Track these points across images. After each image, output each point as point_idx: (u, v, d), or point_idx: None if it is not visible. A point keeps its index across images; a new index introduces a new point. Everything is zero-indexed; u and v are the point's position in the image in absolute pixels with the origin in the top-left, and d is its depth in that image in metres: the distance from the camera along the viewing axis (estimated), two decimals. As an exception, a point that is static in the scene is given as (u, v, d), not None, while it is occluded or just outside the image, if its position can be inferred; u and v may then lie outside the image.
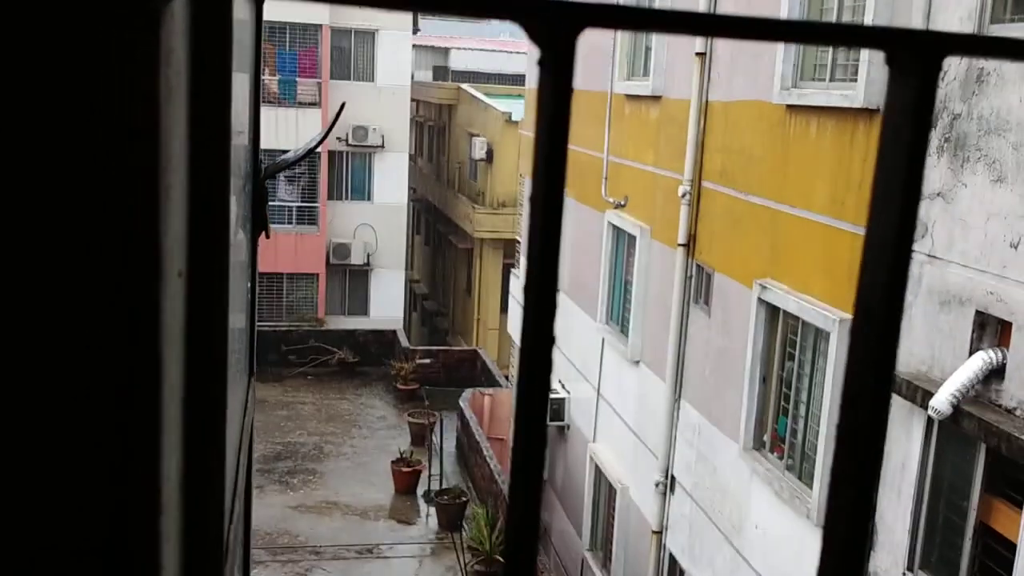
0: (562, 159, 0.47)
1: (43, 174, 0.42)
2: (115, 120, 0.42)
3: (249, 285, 1.46)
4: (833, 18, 7.92)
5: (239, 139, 1.40)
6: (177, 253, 0.57)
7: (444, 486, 16.66)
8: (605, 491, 12.67)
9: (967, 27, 6.25)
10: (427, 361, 22.03)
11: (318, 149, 23.92)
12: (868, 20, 7.15)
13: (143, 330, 0.45)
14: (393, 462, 17.30)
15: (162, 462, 0.48)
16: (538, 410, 0.49)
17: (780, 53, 8.44)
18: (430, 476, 16.91)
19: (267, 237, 1.50)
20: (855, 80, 7.47)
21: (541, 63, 0.46)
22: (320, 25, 24.35)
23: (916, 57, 0.49)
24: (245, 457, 1.33)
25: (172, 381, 0.56)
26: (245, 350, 1.44)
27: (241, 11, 1.19)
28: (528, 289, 0.49)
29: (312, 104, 24.51)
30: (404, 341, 24.05)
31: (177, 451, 0.59)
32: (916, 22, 6.64)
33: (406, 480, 17.06)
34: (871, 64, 7.13)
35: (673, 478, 10.60)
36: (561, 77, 0.46)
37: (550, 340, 0.50)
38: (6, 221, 0.42)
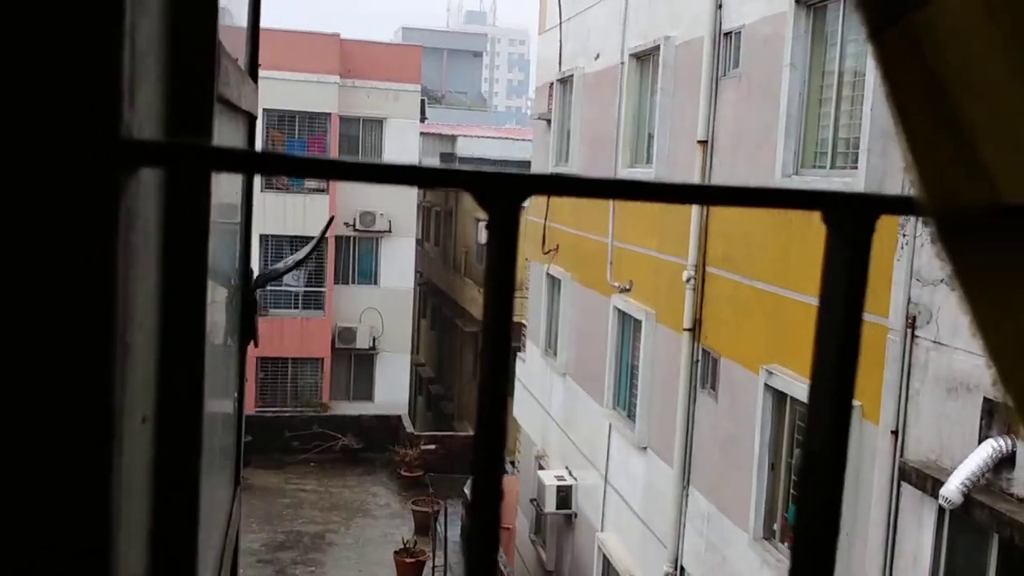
0: (508, 308, 0.48)
1: None
2: (67, 289, 0.44)
3: (236, 395, 1.48)
4: (831, 111, 8.08)
5: (230, 246, 1.43)
6: (141, 401, 0.59)
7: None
8: (613, 581, 12.39)
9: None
10: (432, 447, 21.81)
11: (325, 236, 24.17)
12: (867, 112, 7.29)
13: (93, 483, 0.46)
14: (396, 552, 16.97)
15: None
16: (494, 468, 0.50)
17: (781, 141, 8.59)
18: (434, 567, 16.57)
19: (256, 346, 1.52)
20: (856, 168, 7.58)
21: (488, 226, 0.49)
22: (329, 114, 24.89)
23: (849, 218, 0.51)
24: (228, 570, 1.32)
25: (133, 529, 0.56)
26: (231, 462, 1.44)
27: (231, 133, 1.24)
28: (477, 435, 0.50)
29: (319, 191, 24.88)
30: (409, 427, 23.87)
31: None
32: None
33: (410, 571, 16.71)
34: (871, 152, 7.25)
35: (683, 568, 10.37)
36: (506, 238, 0.48)
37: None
38: None
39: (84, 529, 0.43)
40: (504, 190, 0.48)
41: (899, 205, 0.53)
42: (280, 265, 2.95)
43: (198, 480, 0.76)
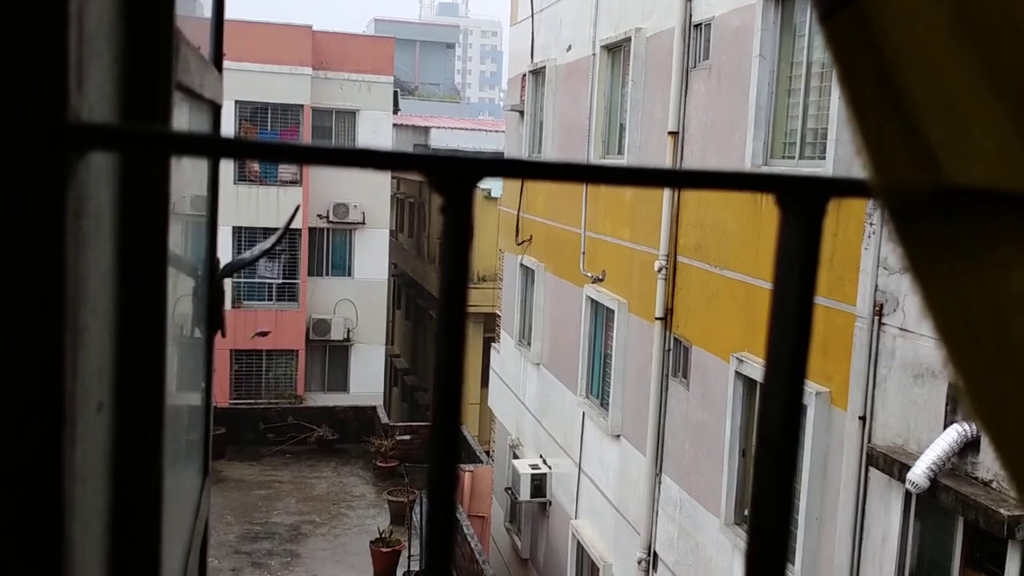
0: (463, 289, 0.49)
1: None
2: (14, 272, 0.43)
3: (204, 385, 1.47)
4: (800, 102, 8.14)
5: (195, 234, 1.42)
6: (95, 387, 0.58)
7: (424, 566, 16.30)
8: (588, 569, 12.46)
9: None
10: (407, 438, 21.80)
11: (297, 225, 24.03)
12: (834, 102, 7.36)
13: (43, 469, 0.45)
14: (372, 542, 16.96)
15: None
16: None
17: (751, 131, 8.64)
18: (410, 556, 16.59)
19: (223, 336, 1.52)
20: (823, 158, 7.64)
21: (443, 210, 0.49)
22: (302, 105, 24.72)
23: (802, 200, 0.52)
24: (196, 561, 1.31)
25: (90, 517, 0.56)
26: (200, 453, 1.43)
27: (194, 122, 1.22)
28: (434, 417, 0.50)
29: (293, 182, 24.72)
30: (384, 417, 23.83)
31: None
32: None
33: (385, 561, 16.71)
34: (839, 142, 7.31)
35: (655, 555, 10.45)
36: (461, 221, 0.48)
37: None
38: None
39: (33, 515, 0.43)
40: (457, 173, 0.48)
41: (851, 188, 0.54)
42: (247, 255, 2.94)
43: (160, 469, 0.75)
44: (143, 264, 0.67)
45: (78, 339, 0.49)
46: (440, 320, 0.48)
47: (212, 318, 1.44)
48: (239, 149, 0.45)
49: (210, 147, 0.44)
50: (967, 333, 0.50)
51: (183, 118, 1.03)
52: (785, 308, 0.52)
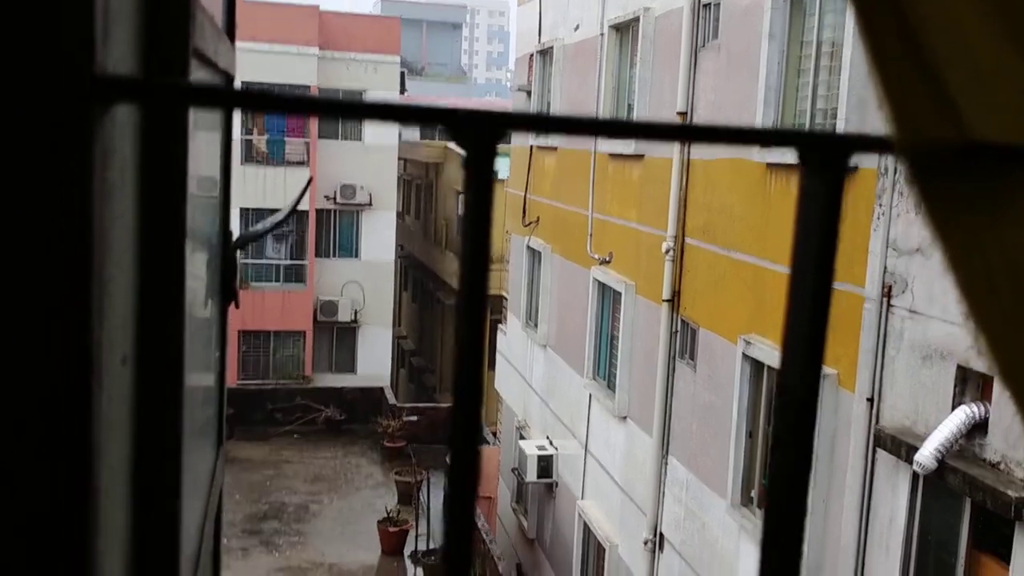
0: (486, 245, 0.49)
1: None
2: (44, 225, 0.44)
3: (218, 354, 1.48)
4: (810, 81, 8.09)
5: (208, 208, 1.43)
6: (120, 340, 0.59)
7: (432, 546, 16.43)
8: (594, 549, 12.52)
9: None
10: (414, 418, 21.90)
11: (304, 207, 24.05)
12: (844, 81, 7.31)
13: (73, 416, 0.46)
14: (380, 522, 17.08)
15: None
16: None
17: (760, 111, 8.60)
18: (417, 535, 16.69)
19: (236, 307, 1.52)
20: (832, 138, 7.59)
21: (466, 164, 0.49)
22: (308, 86, 24.66)
23: (824, 156, 0.52)
24: (212, 527, 1.33)
25: (113, 465, 0.57)
26: (214, 420, 1.45)
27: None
28: (456, 380, 0.51)
29: (300, 163, 24.71)
30: (391, 398, 23.93)
31: (120, 556, 0.59)
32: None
33: (393, 540, 16.82)
34: (848, 122, 7.27)
35: (662, 535, 10.50)
36: (483, 175, 0.48)
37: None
38: None
39: (65, 461, 0.44)
40: (480, 127, 0.48)
41: (872, 144, 0.54)
42: (259, 226, 2.96)
43: (180, 422, 0.76)
44: (163, 217, 0.68)
45: (104, 290, 0.49)
46: (463, 271, 0.48)
47: (225, 290, 1.45)
48: (262, 102, 0.45)
49: (232, 99, 0.44)
50: (986, 287, 0.50)
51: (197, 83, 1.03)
52: (806, 265, 0.52)
